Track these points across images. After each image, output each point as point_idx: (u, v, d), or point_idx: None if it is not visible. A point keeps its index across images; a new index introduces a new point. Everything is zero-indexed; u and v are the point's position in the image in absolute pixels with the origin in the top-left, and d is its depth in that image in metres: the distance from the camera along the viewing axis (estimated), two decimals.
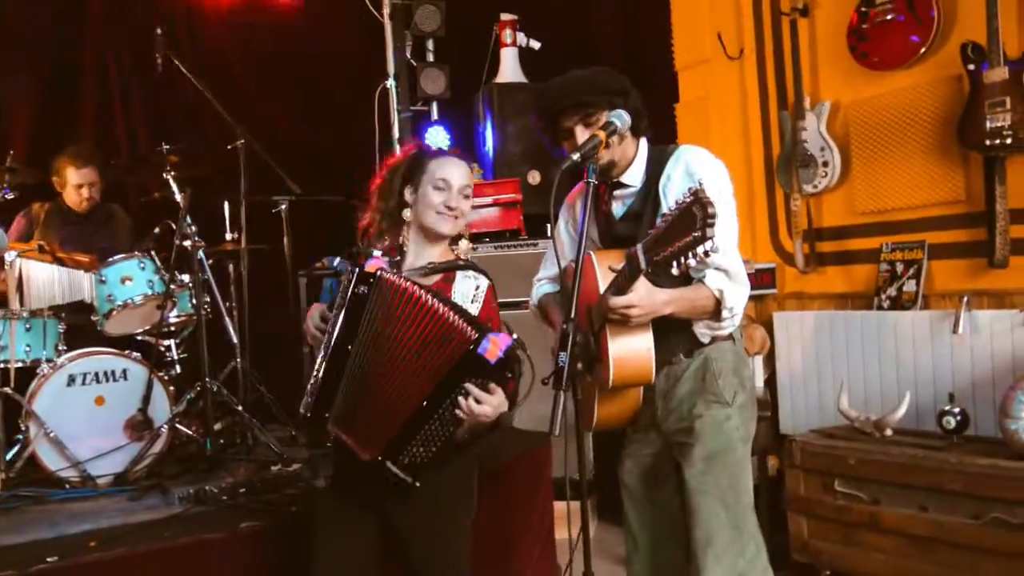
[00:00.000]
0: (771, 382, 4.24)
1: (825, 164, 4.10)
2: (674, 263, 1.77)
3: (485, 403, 1.98)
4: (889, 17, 3.79)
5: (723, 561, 2.18)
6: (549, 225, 4.79)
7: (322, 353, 2.13)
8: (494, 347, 1.95)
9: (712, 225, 1.68)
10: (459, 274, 2.28)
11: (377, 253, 2.27)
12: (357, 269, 2.11)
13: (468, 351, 1.98)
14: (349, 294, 2.09)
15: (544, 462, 3.82)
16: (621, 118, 2.15)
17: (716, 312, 2.17)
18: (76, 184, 4.16)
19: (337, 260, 2.25)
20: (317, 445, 3.65)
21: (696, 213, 1.70)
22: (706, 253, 1.71)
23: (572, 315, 1.97)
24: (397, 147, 5.03)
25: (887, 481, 3.23)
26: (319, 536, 2.28)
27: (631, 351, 2.12)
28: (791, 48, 4.21)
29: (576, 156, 2.06)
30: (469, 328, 2.01)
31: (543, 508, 3.75)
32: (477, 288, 2.25)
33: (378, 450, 2.10)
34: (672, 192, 2.20)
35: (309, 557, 2.27)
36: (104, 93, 4.99)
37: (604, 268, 2.11)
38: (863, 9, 3.90)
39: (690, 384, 2.30)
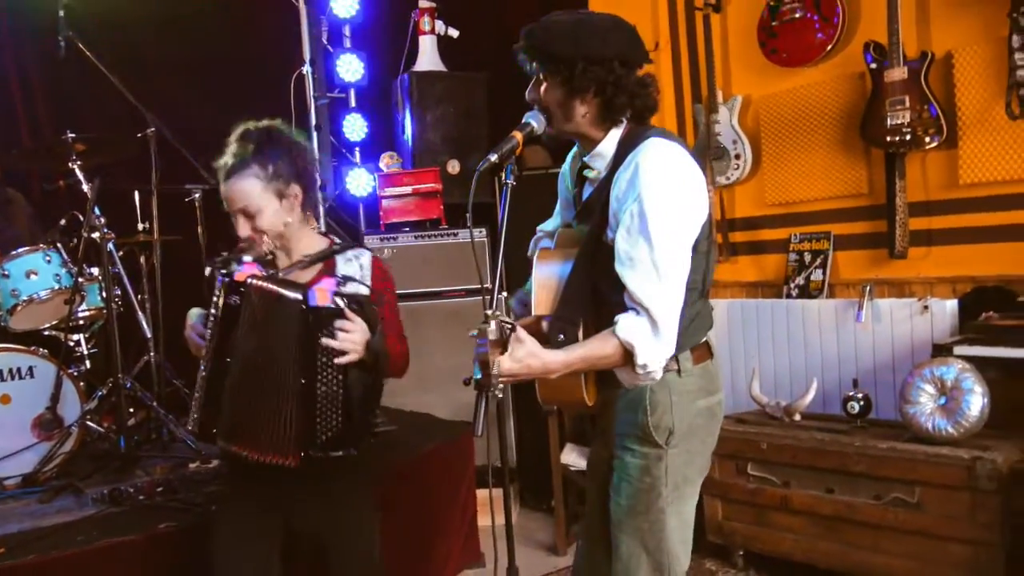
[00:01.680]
0: None
1: (737, 157, 4.22)
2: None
3: (346, 338, 2.08)
4: (797, 15, 3.93)
5: None
6: (468, 215, 4.83)
7: (202, 367, 2.11)
8: (322, 294, 2.09)
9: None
10: (339, 259, 2.30)
11: (248, 258, 2.20)
12: (227, 279, 2.09)
13: (303, 310, 2.08)
14: (222, 305, 2.08)
15: (467, 451, 3.86)
16: (537, 119, 2.00)
17: (628, 364, 1.91)
18: None
19: (208, 269, 2.18)
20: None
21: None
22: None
23: (491, 311, 1.82)
24: (314, 135, 4.96)
25: (797, 464, 3.37)
26: (219, 548, 2.25)
27: (561, 376, 1.92)
28: (704, 43, 4.32)
29: (493, 157, 1.93)
30: (293, 292, 2.11)
31: (466, 496, 3.79)
32: (361, 267, 2.29)
33: (291, 450, 2.10)
34: (616, 199, 1.92)
35: (210, 565, 2.24)
36: (2, 79, 4.76)
37: (541, 281, 2.01)
38: (772, 5, 4.02)
39: (626, 414, 2.07)
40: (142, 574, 2.59)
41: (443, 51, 5.24)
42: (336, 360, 2.08)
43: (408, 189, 4.82)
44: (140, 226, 4.27)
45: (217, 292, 2.07)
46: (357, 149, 5.32)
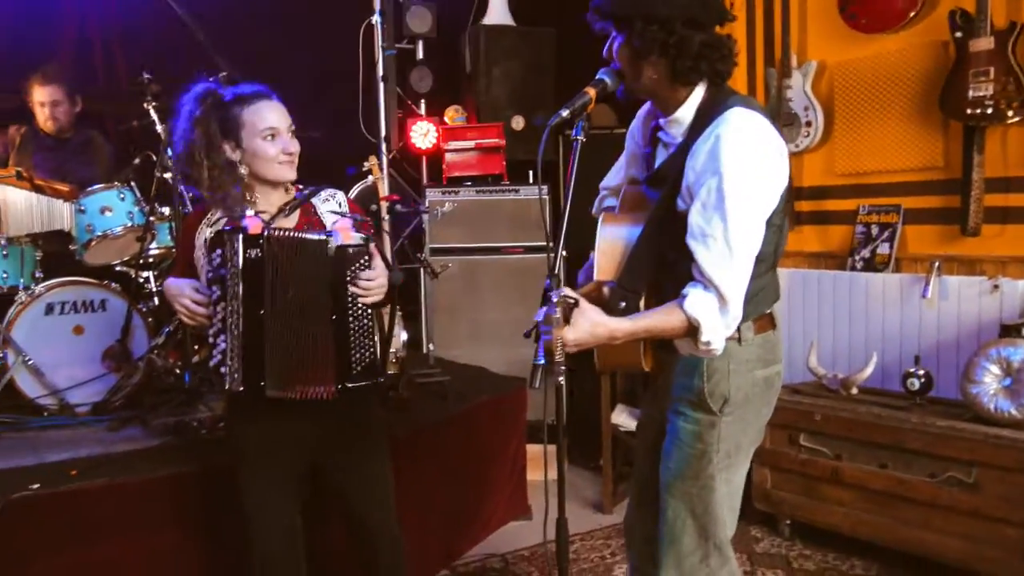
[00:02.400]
0: None
1: (808, 124, 4.13)
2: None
3: (372, 277, 2.17)
4: None
5: (684, 564, 2.05)
6: (531, 172, 4.83)
7: (230, 326, 2.11)
8: (345, 232, 2.18)
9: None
10: (316, 201, 2.34)
11: (250, 212, 2.22)
12: (241, 234, 2.11)
13: (330, 249, 2.15)
14: (241, 261, 2.10)
15: (519, 405, 3.91)
16: (611, 76, 1.94)
17: (691, 338, 1.88)
18: (40, 102, 4.10)
19: (209, 231, 2.21)
20: None
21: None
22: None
23: (555, 270, 1.86)
24: (381, 85, 4.98)
25: (850, 438, 3.34)
26: (253, 498, 2.29)
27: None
28: (781, 5, 4.20)
29: (565, 112, 1.90)
30: (320, 233, 2.18)
31: (516, 449, 3.84)
32: (340, 205, 2.36)
33: (332, 382, 2.18)
34: (693, 170, 1.86)
35: (241, 494, 2.30)
36: (82, 17, 4.86)
37: (606, 247, 1.96)
38: None
39: (679, 379, 2.04)
40: (202, 504, 2.69)
41: (512, 5, 5.20)
42: (362, 296, 2.17)
43: (471, 143, 4.83)
44: None
45: (233, 249, 2.10)
46: (423, 101, 5.33)
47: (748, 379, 2.01)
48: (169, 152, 3.67)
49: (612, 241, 1.99)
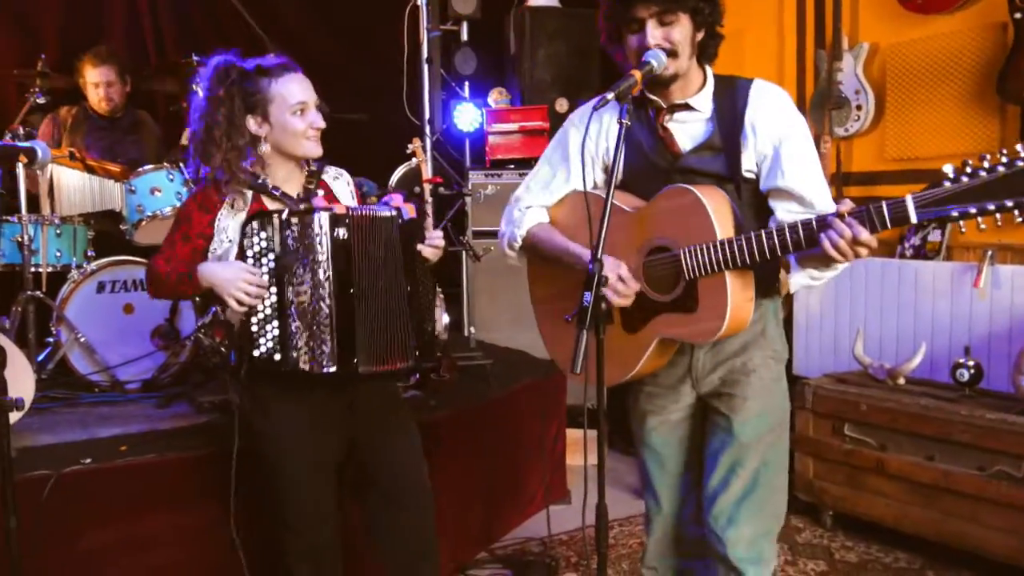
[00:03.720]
0: (787, 323, 4.26)
1: (859, 107, 4.04)
2: (952, 223, 1.72)
3: (436, 245, 2.28)
4: None
5: (759, 516, 2.09)
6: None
7: (311, 308, 2.09)
8: (409, 208, 2.24)
9: None
10: (327, 179, 2.34)
11: (321, 193, 2.23)
12: (328, 213, 2.10)
13: (402, 224, 2.21)
14: (330, 241, 2.09)
15: (559, 389, 3.91)
16: (658, 58, 1.95)
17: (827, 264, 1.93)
18: (94, 83, 4.17)
19: (282, 213, 2.13)
20: None
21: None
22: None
23: (599, 254, 1.88)
24: (426, 68, 4.98)
25: (896, 429, 3.28)
26: (288, 465, 2.24)
27: (743, 299, 1.94)
28: None
29: (610, 95, 1.88)
30: (390, 211, 2.21)
31: (556, 434, 3.85)
32: (348, 183, 2.39)
33: (411, 354, 2.23)
34: (765, 127, 1.99)
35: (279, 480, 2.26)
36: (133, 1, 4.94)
37: (716, 208, 1.91)
38: None
39: (746, 336, 2.07)
40: (248, 480, 2.73)
41: None
42: (428, 258, 2.26)
43: (515, 126, 4.82)
44: None
45: (319, 229, 2.08)
46: (467, 83, 5.32)
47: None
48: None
49: (717, 204, 1.94)
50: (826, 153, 4.17)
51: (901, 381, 3.48)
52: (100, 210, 3.76)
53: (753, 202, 2.02)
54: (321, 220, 2.09)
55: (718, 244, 1.89)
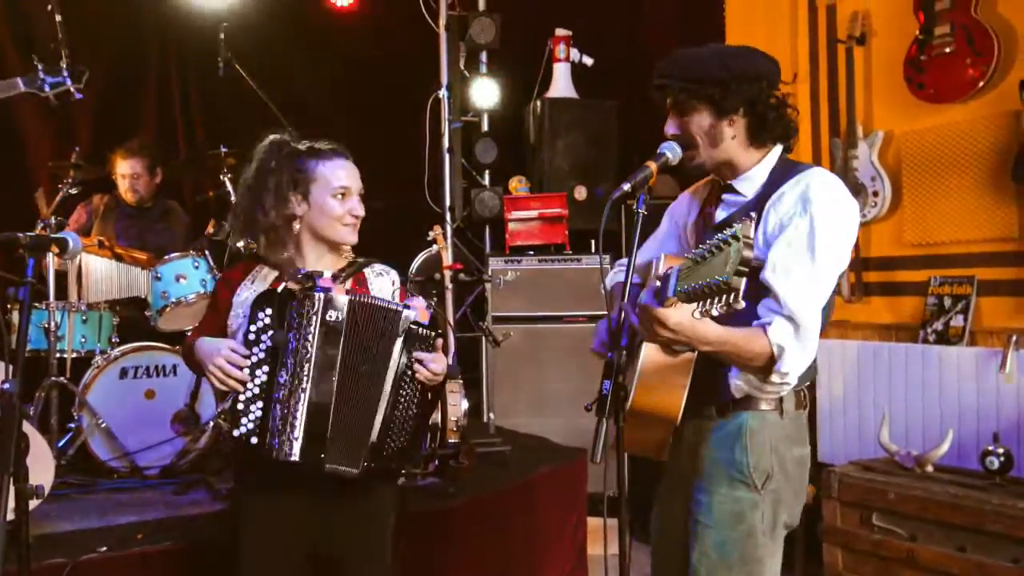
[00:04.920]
0: (811, 410, 4.21)
1: (875, 194, 4.07)
2: (698, 303, 1.56)
3: (438, 360, 2.10)
4: (948, 50, 3.76)
5: None
6: (593, 241, 4.85)
7: (292, 391, 2.00)
8: (421, 311, 2.11)
9: (741, 275, 1.46)
10: (369, 272, 2.25)
11: (327, 274, 2.12)
12: (324, 293, 2.01)
13: (405, 321, 2.06)
14: (319, 323, 2.00)
15: (580, 477, 3.85)
16: (672, 150, 1.99)
17: (765, 369, 1.84)
18: (122, 174, 4.30)
19: (283, 287, 2.10)
20: None
21: (728, 254, 1.48)
22: (728, 304, 1.50)
23: (620, 341, 1.88)
24: (447, 157, 5.09)
25: (926, 518, 3.20)
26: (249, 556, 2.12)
27: (661, 380, 1.89)
28: (846, 76, 4.20)
29: (627, 186, 1.91)
30: (397, 305, 2.10)
31: (577, 523, 3.78)
32: (393, 283, 2.28)
33: (361, 460, 2.04)
34: (775, 214, 1.90)
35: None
36: (164, 93, 5.13)
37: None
38: (921, 39, 3.87)
39: (717, 450, 1.96)
40: None
41: (576, 78, 5.31)
42: (423, 378, 2.09)
43: (534, 213, 4.89)
44: None
45: (312, 309, 2.00)
46: (487, 172, 5.43)
47: (788, 455, 1.97)
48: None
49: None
50: None
51: (929, 469, 3.41)
52: (126, 296, 3.82)
53: (756, 295, 1.87)
54: (318, 299, 2.00)
55: None
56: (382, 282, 2.26)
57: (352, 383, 2.04)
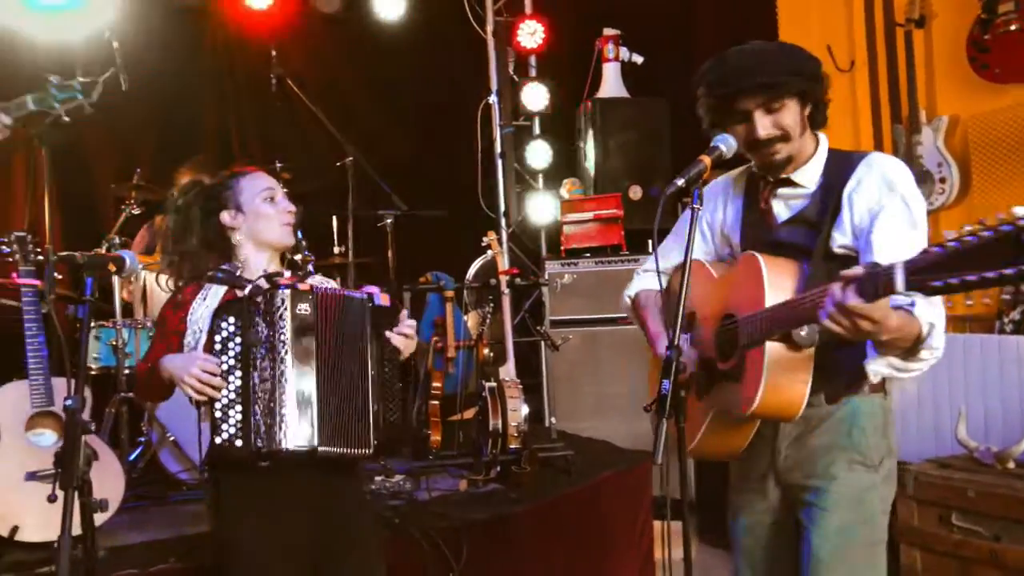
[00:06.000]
0: None
1: (942, 180, 3.94)
2: (942, 294, 1.48)
3: (406, 332, 2.18)
4: (1013, 27, 3.62)
5: None
6: (651, 241, 4.77)
7: (275, 385, 2.03)
8: (381, 295, 2.19)
9: None
10: (313, 281, 2.29)
11: (288, 273, 2.20)
12: (290, 289, 2.06)
13: (372, 307, 2.16)
14: (290, 317, 2.04)
15: (644, 481, 3.80)
16: (726, 143, 1.95)
17: (913, 349, 1.78)
18: None
19: (247, 288, 2.15)
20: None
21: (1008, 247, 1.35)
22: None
23: (676, 341, 1.85)
24: (500, 162, 5.10)
25: (1010, 517, 3.06)
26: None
27: (787, 378, 1.84)
28: (906, 60, 4.07)
29: (680, 182, 1.89)
30: (361, 294, 2.18)
31: (643, 527, 3.72)
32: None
33: (370, 441, 2.11)
34: (862, 201, 1.91)
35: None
36: (221, 112, 5.23)
37: (775, 275, 1.88)
38: (984, 19, 3.73)
39: (830, 436, 1.96)
40: None
41: (626, 77, 5.26)
42: (399, 351, 2.18)
43: (589, 215, 4.85)
44: (336, 249, 4.53)
45: (281, 306, 2.04)
46: (540, 175, 5.41)
47: (892, 437, 2.00)
48: (299, 235, 3.84)
49: (776, 274, 1.90)
50: None
51: (1011, 465, 3.26)
52: None
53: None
54: (284, 296, 2.05)
55: (761, 313, 1.84)
56: (327, 284, 2.35)
57: (335, 369, 2.10)
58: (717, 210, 2.19)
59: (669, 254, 2.25)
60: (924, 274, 1.46)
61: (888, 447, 1.99)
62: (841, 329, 1.64)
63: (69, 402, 1.74)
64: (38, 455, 2.75)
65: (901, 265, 1.50)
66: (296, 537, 2.11)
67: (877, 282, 1.57)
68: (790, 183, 2.02)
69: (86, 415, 2.57)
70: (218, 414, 2.03)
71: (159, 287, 3.32)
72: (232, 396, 2.03)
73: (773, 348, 1.84)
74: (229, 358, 2.05)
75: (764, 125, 1.94)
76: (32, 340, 2.78)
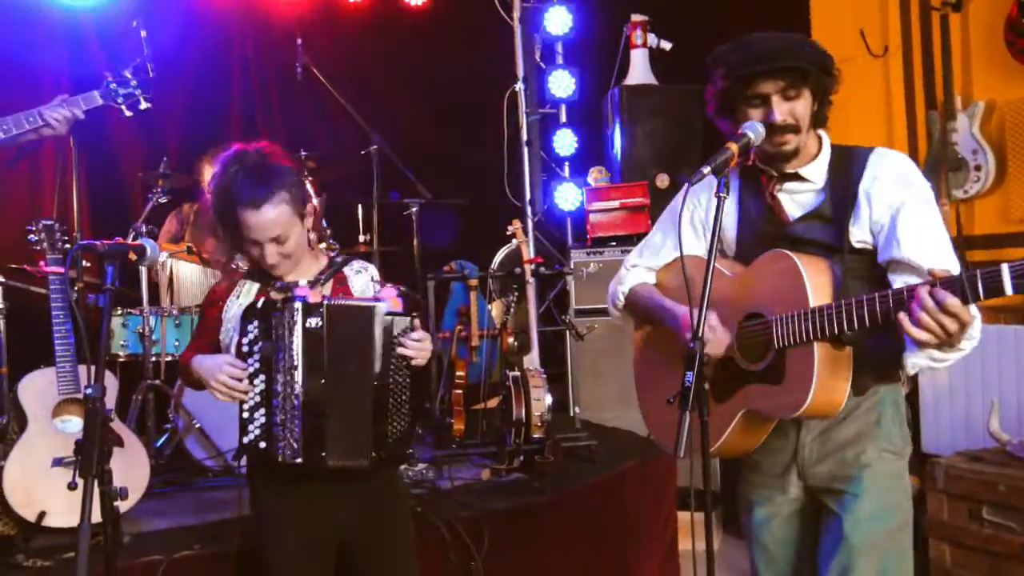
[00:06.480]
0: (912, 397, 4.01)
1: (977, 168, 3.85)
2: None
3: (421, 338, 2.13)
4: None
5: None
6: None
7: (284, 397, 2.06)
8: (393, 301, 2.15)
9: None
10: (348, 272, 2.28)
11: (303, 282, 2.18)
12: (300, 302, 2.07)
13: (381, 318, 2.11)
14: (301, 330, 2.06)
15: (669, 471, 3.77)
16: (755, 130, 1.93)
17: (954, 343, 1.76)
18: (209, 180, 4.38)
19: (262, 300, 2.16)
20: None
21: None
22: None
23: (700, 332, 1.81)
24: (526, 150, 5.06)
25: None
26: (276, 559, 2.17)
27: (834, 377, 1.83)
28: (941, 45, 3.98)
29: (706, 170, 1.87)
30: (370, 300, 2.16)
31: (667, 517, 3.70)
32: (372, 278, 2.30)
33: (367, 453, 2.10)
34: (880, 197, 1.91)
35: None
36: (247, 101, 5.25)
37: (814, 273, 1.85)
38: (1022, 2, 3.63)
39: (858, 426, 1.97)
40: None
41: (655, 64, 5.19)
42: (412, 364, 2.13)
43: (615, 203, 4.81)
44: (361, 237, 4.54)
45: (291, 319, 2.07)
46: (566, 164, 5.38)
47: (907, 425, 2.03)
48: (323, 223, 3.85)
49: (815, 272, 1.88)
50: (945, 217, 3.96)
51: None
52: None
53: (867, 275, 1.92)
54: (295, 309, 2.07)
55: (809, 312, 1.81)
56: (361, 279, 2.30)
57: (341, 382, 2.10)
58: (709, 206, 2.11)
59: (659, 250, 2.26)
60: None
61: (907, 434, 2.02)
62: (925, 331, 1.63)
63: (89, 391, 1.75)
64: (65, 441, 2.78)
65: (1007, 268, 1.56)
66: (328, 527, 2.18)
67: (976, 285, 1.59)
68: (798, 178, 2.01)
69: (110, 402, 2.61)
70: (245, 415, 2.10)
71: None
72: (257, 399, 2.10)
73: (822, 348, 1.82)
74: (255, 361, 2.11)
75: (781, 111, 1.93)
76: (59, 327, 2.81)
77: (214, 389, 2.10)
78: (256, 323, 2.10)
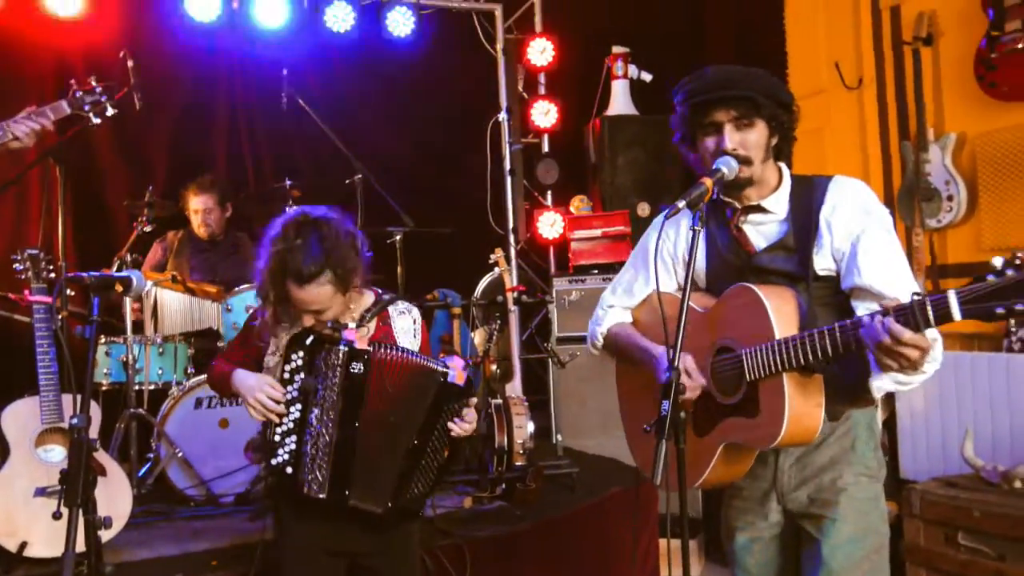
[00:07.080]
0: (890, 423, 4.07)
1: (950, 198, 3.93)
2: (1003, 319, 1.58)
3: (472, 419, 2.21)
4: (1020, 46, 3.62)
5: None
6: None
7: (317, 433, 2.13)
8: (459, 373, 2.19)
9: None
10: (392, 311, 2.32)
11: (352, 325, 2.22)
12: (346, 347, 2.14)
13: (442, 383, 2.18)
14: (342, 374, 2.13)
15: (650, 498, 3.79)
16: (728, 165, 1.96)
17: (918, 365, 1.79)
18: (194, 209, 4.43)
19: (310, 338, 2.19)
20: None
21: None
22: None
23: (676, 362, 1.84)
24: (508, 179, 5.12)
25: (1015, 537, 3.04)
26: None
27: (806, 406, 1.86)
28: (913, 78, 4.08)
29: (681, 204, 1.90)
30: (439, 366, 2.20)
31: (648, 545, 3.72)
32: (414, 321, 2.35)
33: (385, 501, 2.17)
34: (840, 225, 1.94)
35: None
36: (234, 131, 5.28)
37: (777, 305, 1.89)
38: (992, 36, 3.73)
39: (834, 451, 2.00)
40: None
41: (635, 95, 5.28)
42: (456, 432, 2.19)
43: (597, 232, 4.86)
44: None
45: (336, 361, 2.13)
46: (549, 192, 5.43)
47: (880, 449, 2.06)
48: None
49: (779, 304, 1.92)
50: (919, 246, 4.05)
51: (1017, 484, 3.25)
52: (199, 329, 3.93)
53: (833, 302, 1.96)
54: (340, 352, 2.14)
55: (775, 344, 1.84)
56: (404, 321, 2.34)
57: (381, 428, 2.17)
58: (679, 240, 2.19)
59: (631, 287, 2.27)
60: (977, 302, 1.56)
61: (881, 457, 2.04)
62: (890, 359, 1.68)
63: (75, 420, 1.77)
64: (48, 471, 2.78)
65: (954, 295, 1.58)
66: (341, 548, 2.26)
67: (926, 312, 1.61)
68: (760, 210, 2.04)
69: (93, 432, 2.61)
70: (276, 438, 2.17)
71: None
72: (291, 426, 2.17)
73: (791, 378, 1.85)
74: (294, 389, 2.17)
75: (732, 140, 1.98)
76: (43, 356, 2.82)
77: (250, 406, 2.18)
78: (300, 353, 2.16)
